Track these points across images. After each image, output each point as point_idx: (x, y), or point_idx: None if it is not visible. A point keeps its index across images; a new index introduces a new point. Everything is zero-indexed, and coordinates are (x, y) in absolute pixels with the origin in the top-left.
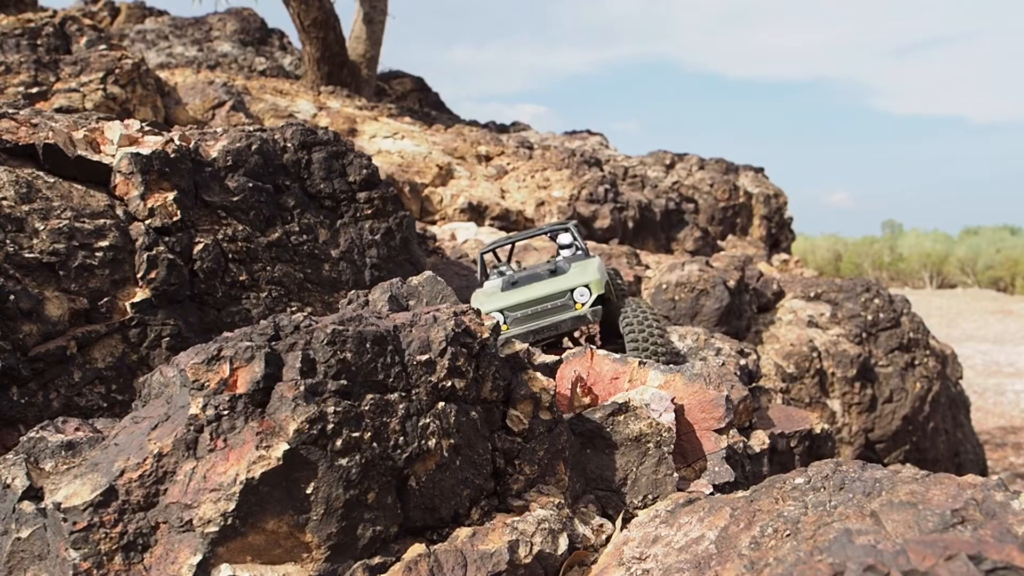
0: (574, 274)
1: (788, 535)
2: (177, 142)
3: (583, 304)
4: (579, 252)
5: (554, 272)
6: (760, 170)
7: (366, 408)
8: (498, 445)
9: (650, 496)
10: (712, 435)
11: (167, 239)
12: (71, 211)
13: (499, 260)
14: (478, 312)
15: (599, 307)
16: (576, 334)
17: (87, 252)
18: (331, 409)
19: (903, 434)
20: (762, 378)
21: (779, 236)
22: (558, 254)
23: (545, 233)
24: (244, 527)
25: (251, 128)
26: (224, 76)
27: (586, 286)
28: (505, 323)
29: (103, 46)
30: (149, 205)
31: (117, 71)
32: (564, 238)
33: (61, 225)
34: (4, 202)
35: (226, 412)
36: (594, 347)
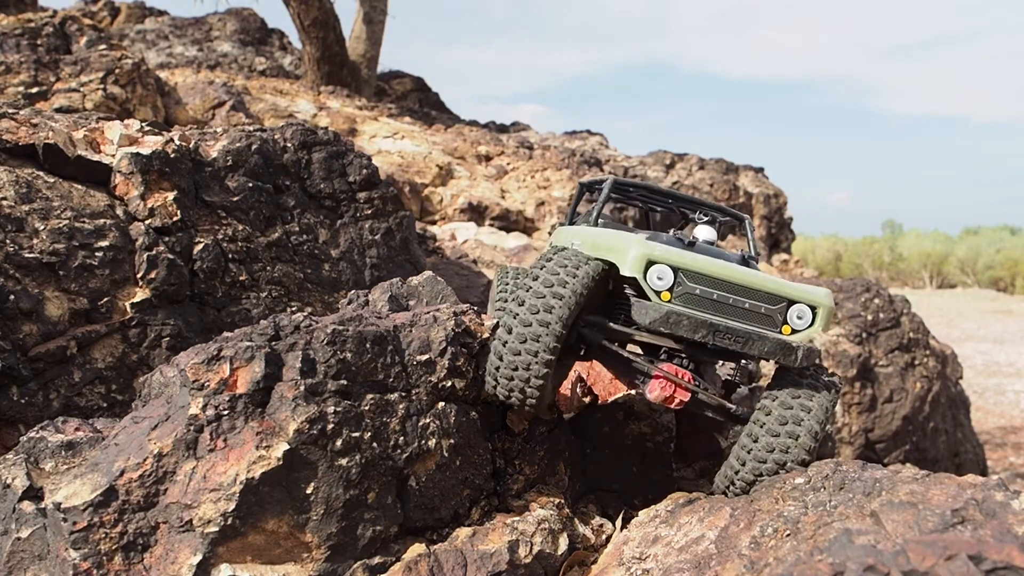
0: (788, 283)
1: (788, 535)
2: (177, 142)
3: (795, 331)
4: (757, 252)
5: (745, 262)
6: (760, 170)
7: (366, 408)
8: (498, 445)
9: (650, 496)
10: (712, 435)
11: (167, 239)
12: (71, 211)
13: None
14: (478, 312)
15: (815, 349)
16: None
17: (87, 252)
18: (331, 409)
19: (903, 434)
20: (762, 378)
21: (779, 236)
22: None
23: (709, 209)
24: (244, 527)
25: (251, 128)
26: (224, 76)
27: (812, 307)
28: (670, 290)
29: (103, 46)
30: (149, 205)
31: (117, 71)
32: (705, 233)
33: (61, 225)
34: (4, 202)
35: (226, 412)
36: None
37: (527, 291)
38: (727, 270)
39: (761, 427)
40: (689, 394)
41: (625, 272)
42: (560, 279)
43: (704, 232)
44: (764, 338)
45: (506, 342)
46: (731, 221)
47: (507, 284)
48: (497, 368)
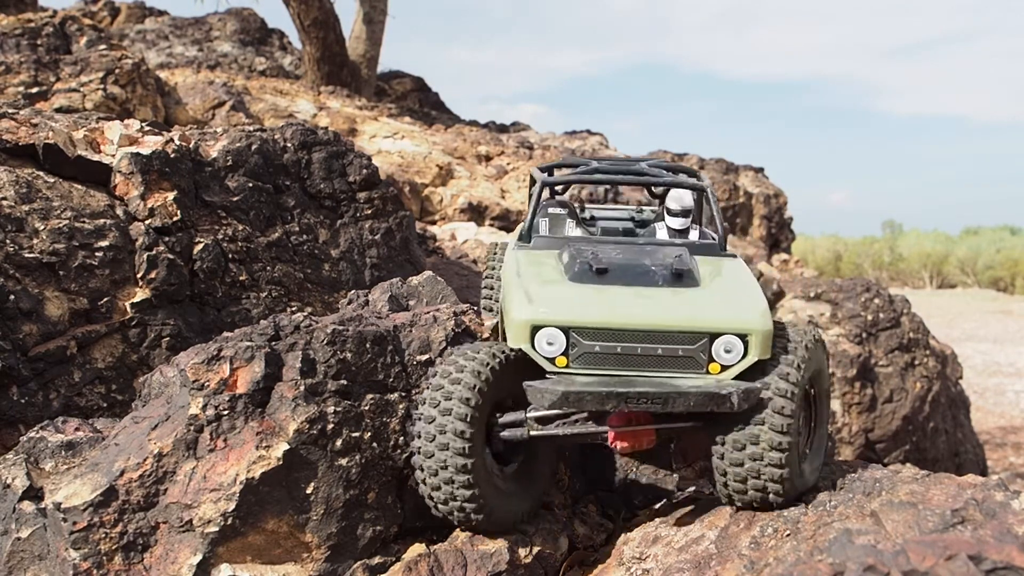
0: (717, 294)
1: (788, 535)
2: (177, 142)
3: (726, 367)
4: (707, 238)
5: (678, 276)
6: (760, 170)
7: (366, 408)
8: None
9: (650, 496)
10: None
11: (167, 239)
12: (71, 211)
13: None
14: (478, 312)
15: (754, 387)
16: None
17: (87, 252)
18: (331, 409)
19: (903, 434)
20: None
21: (779, 236)
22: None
23: (655, 185)
24: (244, 527)
25: (251, 128)
26: (224, 76)
27: (742, 336)
28: (566, 353)
29: (103, 46)
30: (149, 205)
31: (117, 71)
32: (679, 199)
33: (61, 225)
34: (4, 202)
35: (226, 412)
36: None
37: (428, 389)
38: (627, 316)
39: (722, 459)
40: (653, 433)
41: (511, 345)
42: (458, 365)
43: (675, 200)
44: (685, 394)
45: (420, 448)
46: (682, 184)
47: (495, 261)
48: (424, 481)
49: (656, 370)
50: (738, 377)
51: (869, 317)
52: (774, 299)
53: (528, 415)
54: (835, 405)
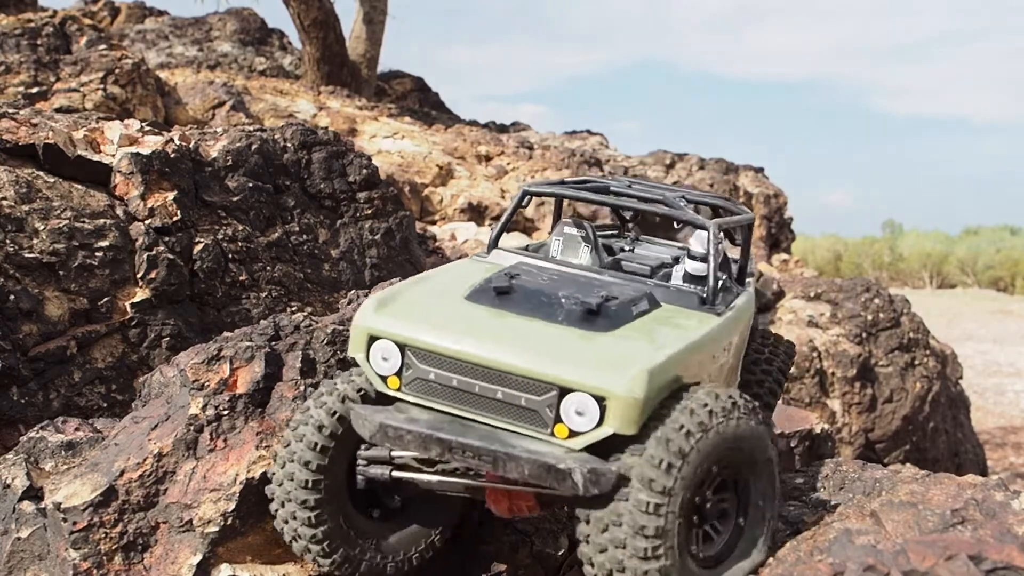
0: (608, 345)
1: (788, 535)
2: (177, 142)
3: (574, 433)
4: (728, 286)
5: (590, 317)
6: (760, 170)
7: None
8: None
9: None
10: None
11: (167, 239)
12: (71, 211)
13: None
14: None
15: (606, 468)
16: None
17: (87, 252)
18: None
19: (903, 434)
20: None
21: (779, 236)
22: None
23: (640, 212)
24: (244, 527)
25: (251, 128)
26: (224, 76)
27: (598, 398)
28: (399, 374)
29: (103, 46)
30: (149, 205)
31: (117, 71)
32: (701, 240)
33: (61, 225)
34: (4, 202)
35: (226, 412)
36: None
37: (293, 419)
38: (464, 344)
39: (592, 566)
40: (532, 498)
41: (349, 352)
42: (318, 401)
43: (698, 242)
44: (518, 459)
45: (273, 475)
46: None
47: None
48: (276, 513)
49: (496, 418)
50: (596, 449)
51: (869, 317)
52: (774, 299)
53: (393, 452)
54: (835, 405)
